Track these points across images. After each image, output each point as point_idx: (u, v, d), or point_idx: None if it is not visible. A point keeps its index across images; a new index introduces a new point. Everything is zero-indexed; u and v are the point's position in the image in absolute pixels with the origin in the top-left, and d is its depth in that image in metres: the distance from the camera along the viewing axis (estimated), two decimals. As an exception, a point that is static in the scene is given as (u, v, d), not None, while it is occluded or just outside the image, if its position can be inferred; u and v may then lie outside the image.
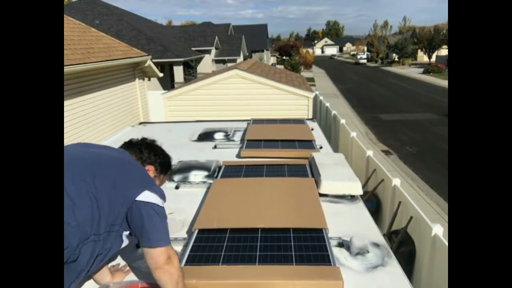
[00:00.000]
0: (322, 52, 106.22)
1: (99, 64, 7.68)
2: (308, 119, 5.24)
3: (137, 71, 10.27)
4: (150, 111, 11.14)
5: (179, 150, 3.67)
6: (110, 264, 1.78)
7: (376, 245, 1.97)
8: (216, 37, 28.43)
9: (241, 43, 31.23)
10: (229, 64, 22.72)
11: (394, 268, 1.80)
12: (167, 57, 18.18)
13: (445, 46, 42.20)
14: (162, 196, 1.60)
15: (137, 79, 10.33)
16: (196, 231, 1.99)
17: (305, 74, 33.07)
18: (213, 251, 1.79)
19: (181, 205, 2.47)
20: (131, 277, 1.74)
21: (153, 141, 1.86)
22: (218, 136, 4.21)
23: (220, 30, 31.41)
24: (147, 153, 1.77)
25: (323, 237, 1.90)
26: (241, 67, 9.83)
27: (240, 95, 9.29)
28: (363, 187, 3.83)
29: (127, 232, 1.56)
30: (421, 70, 37.69)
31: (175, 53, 18.79)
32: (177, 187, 2.75)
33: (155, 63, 11.05)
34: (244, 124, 4.67)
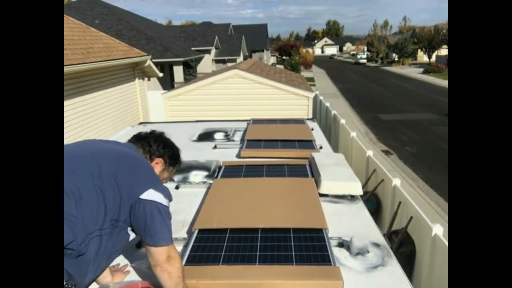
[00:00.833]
0: (322, 52, 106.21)
1: (99, 64, 7.68)
2: (308, 119, 5.24)
3: (137, 71, 10.27)
4: (150, 111, 11.15)
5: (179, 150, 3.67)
6: (110, 264, 1.78)
7: (376, 245, 1.97)
8: (216, 37, 28.42)
9: (241, 43, 31.22)
10: (229, 64, 22.71)
11: (394, 268, 1.80)
12: (167, 57, 18.18)
13: (445, 46, 42.19)
14: (167, 195, 1.59)
15: (137, 79, 10.34)
16: (196, 231, 1.99)
17: (305, 74, 33.07)
18: (213, 251, 1.79)
19: (181, 205, 2.47)
20: (131, 277, 1.74)
21: (162, 133, 1.86)
22: (218, 136, 4.21)
23: (220, 30, 31.41)
24: (156, 146, 1.77)
25: (323, 237, 1.90)
26: (241, 67, 9.83)
27: (240, 95, 9.29)
28: (363, 187, 3.83)
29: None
30: (421, 70, 37.68)
31: (175, 53, 18.79)
32: (177, 187, 2.75)
33: (155, 63, 11.05)
34: (244, 124, 4.67)
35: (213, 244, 1.86)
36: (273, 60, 46.66)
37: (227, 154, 3.58)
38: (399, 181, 3.76)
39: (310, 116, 8.86)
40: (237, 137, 4.20)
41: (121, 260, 1.86)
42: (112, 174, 1.48)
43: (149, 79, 11.38)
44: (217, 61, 28.35)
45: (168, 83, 18.48)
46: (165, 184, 1.66)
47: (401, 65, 46.79)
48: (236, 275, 1.62)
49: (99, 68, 7.97)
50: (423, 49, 45.27)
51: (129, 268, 1.80)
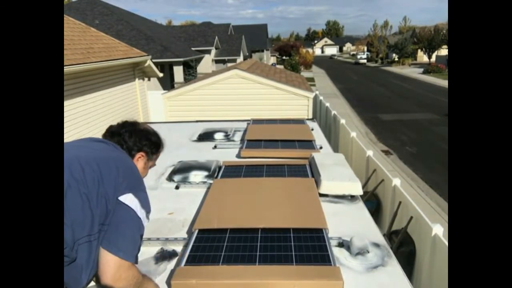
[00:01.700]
0: (322, 52, 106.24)
1: (99, 64, 7.68)
2: (308, 119, 5.24)
3: (137, 71, 10.27)
4: (150, 111, 11.15)
5: (179, 150, 3.68)
6: None
7: (376, 245, 1.97)
8: (216, 37, 28.43)
9: (241, 43, 31.23)
10: (229, 64, 22.72)
11: (394, 268, 1.80)
12: (167, 57, 18.18)
13: (445, 46, 42.19)
14: (145, 206, 1.48)
15: (137, 79, 10.34)
16: (196, 231, 1.98)
17: (305, 74, 33.07)
18: (213, 251, 1.79)
19: (181, 205, 2.47)
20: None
21: (134, 123, 1.77)
22: (218, 136, 4.21)
23: (220, 30, 31.41)
24: (132, 141, 1.68)
25: (323, 237, 1.90)
26: (241, 67, 9.83)
27: (240, 95, 9.29)
28: (363, 187, 3.83)
29: None
30: (421, 70, 37.68)
31: (175, 53, 18.79)
32: (177, 187, 2.75)
33: (155, 63, 11.05)
34: (244, 124, 4.67)
35: (213, 244, 1.86)
36: (273, 60, 46.66)
37: (227, 154, 3.58)
38: (399, 181, 3.76)
39: (310, 116, 8.86)
40: (237, 137, 4.20)
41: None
42: (96, 178, 1.40)
43: (149, 79, 11.38)
44: (217, 61, 28.35)
45: (168, 83, 18.49)
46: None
47: (401, 65, 46.79)
48: (236, 275, 1.61)
49: (99, 68, 7.97)
50: (423, 49, 45.27)
51: None
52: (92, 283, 1.45)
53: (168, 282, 1.64)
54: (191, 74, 20.62)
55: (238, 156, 3.50)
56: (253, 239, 1.89)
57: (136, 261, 1.43)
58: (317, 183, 2.61)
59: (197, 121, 5.21)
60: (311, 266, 1.66)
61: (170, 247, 1.95)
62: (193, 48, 24.60)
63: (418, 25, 55.91)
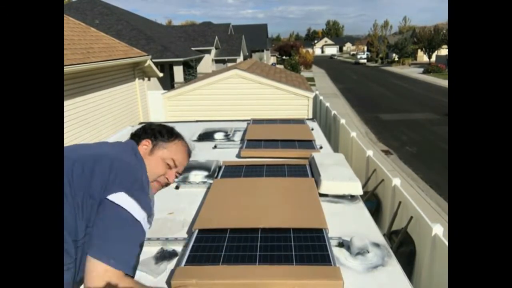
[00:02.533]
0: (322, 52, 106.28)
1: (99, 64, 7.69)
2: (308, 119, 5.23)
3: (137, 71, 10.28)
4: (150, 111, 11.15)
5: (179, 150, 3.67)
6: None
7: (376, 245, 1.97)
8: (216, 37, 28.44)
9: (241, 43, 31.24)
10: (229, 64, 22.71)
11: (394, 268, 1.80)
12: (167, 57, 18.19)
13: (445, 46, 42.21)
14: (145, 207, 1.28)
15: (137, 79, 10.34)
16: (196, 231, 1.98)
17: (305, 74, 33.08)
18: (213, 251, 1.79)
19: (181, 205, 2.47)
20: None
21: (151, 123, 1.71)
22: (218, 136, 4.21)
23: (220, 30, 31.43)
24: (141, 131, 1.60)
25: (323, 237, 1.90)
26: (241, 67, 9.84)
27: (240, 95, 9.29)
28: (363, 187, 3.83)
29: None
30: (421, 70, 37.69)
31: (175, 53, 18.80)
32: (177, 187, 2.75)
33: (155, 63, 11.06)
34: (244, 124, 4.67)
35: (213, 244, 1.86)
36: (273, 60, 46.68)
37: (227, 154, 3.58)
38: (399, 181, 3.76)
39: (310, 116, 8.87)
40: (237, 137, 4.20)
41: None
42: (83, 180, 1.26)
43: (149, 79, 11.39)
44: (217, 61, 28.36)
45: (168, 83, 18.49)
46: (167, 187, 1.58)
47: (401, 65, 46.80)
48: (236, 275, 1.61)
49: (99, 68, 7.98)
50: (423, 49, 45.29)
51: None
52: None
53: (168, 282, 1.64)
54: (191, 74, 20.63)
55: (238, 156, 3.50)
56: (253, 239, 1.89)
57: (133, 273, 1.20)
58: (317, 183, 2.61)
59: (197, 121, 5.21)
60: (311, 266, 1.66)
61: (170, 247, 1.95)
62: (193, 48, 24.60)
63: (418, 25, 55.98)
